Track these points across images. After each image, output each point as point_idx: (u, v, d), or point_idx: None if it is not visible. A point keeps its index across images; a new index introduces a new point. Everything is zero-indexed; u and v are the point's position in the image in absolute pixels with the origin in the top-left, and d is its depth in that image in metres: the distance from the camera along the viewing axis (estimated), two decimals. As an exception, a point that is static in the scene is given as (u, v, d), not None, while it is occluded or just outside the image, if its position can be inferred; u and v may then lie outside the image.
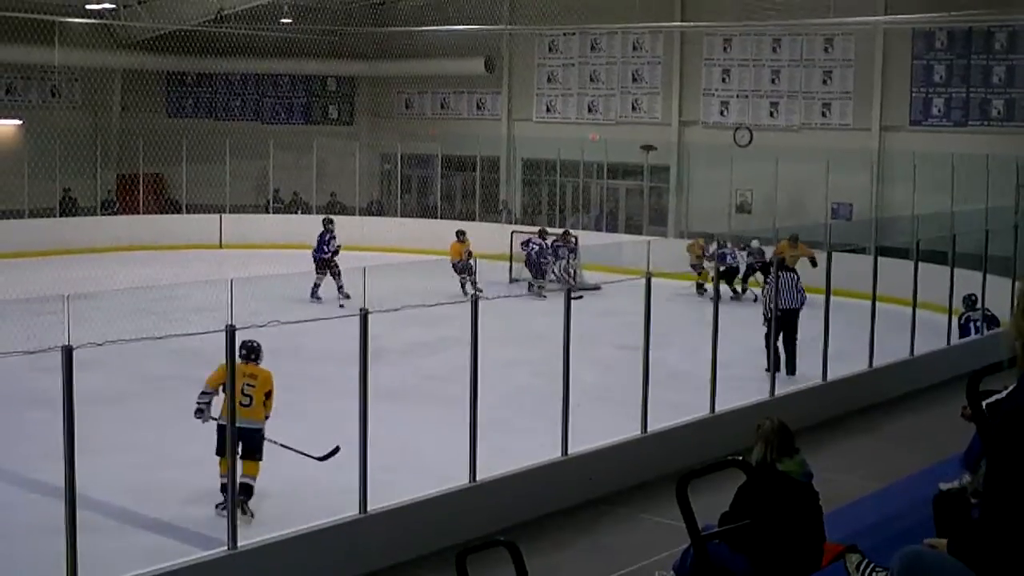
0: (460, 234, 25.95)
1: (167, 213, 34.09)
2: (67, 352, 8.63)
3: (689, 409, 14.31)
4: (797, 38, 30.22)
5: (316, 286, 24.29)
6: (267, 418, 11.83)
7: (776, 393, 15.23)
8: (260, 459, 11.74)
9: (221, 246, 32.30)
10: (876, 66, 29.13)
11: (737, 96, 31.43)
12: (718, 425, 13.97)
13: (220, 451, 11.33)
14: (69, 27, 31.44)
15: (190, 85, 37.87)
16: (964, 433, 9.60)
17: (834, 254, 17.29)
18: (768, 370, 16.33)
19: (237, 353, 10.50)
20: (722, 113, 31.69)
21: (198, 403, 11.79)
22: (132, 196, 33.67)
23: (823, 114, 30.06)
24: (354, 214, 34.67)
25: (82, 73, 34.52)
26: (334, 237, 24.76)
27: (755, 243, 25.59)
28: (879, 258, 18.80)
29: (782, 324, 17.49)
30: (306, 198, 35.45)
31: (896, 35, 28.83)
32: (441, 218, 33.44)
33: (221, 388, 11.29)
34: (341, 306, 22.05)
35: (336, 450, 11.79)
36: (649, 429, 13.30)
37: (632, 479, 12.82)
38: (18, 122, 33.44)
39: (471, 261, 24.54)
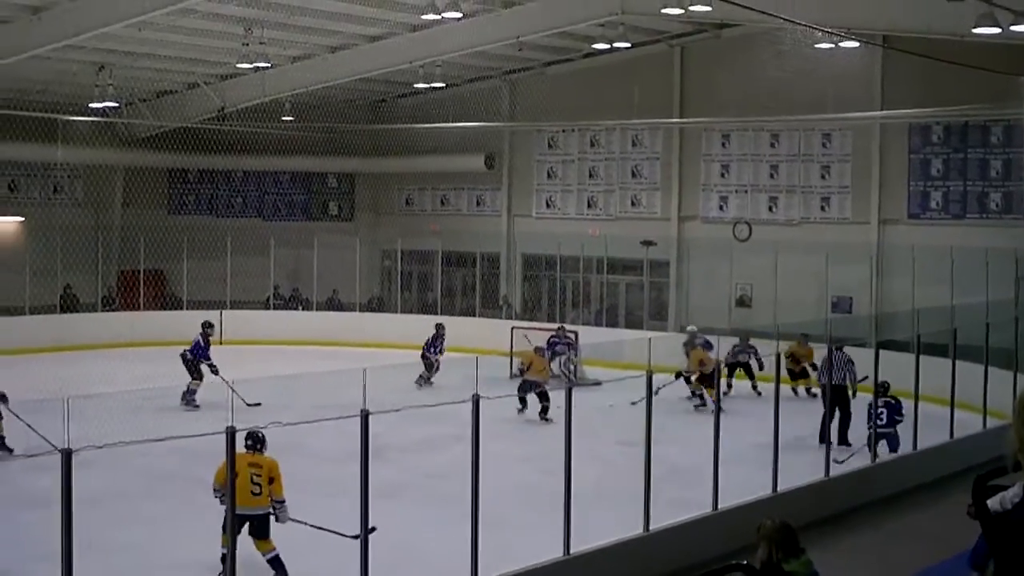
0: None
1: (168, 309, 34.11)
2: (66, 456, 8.60)
3: (692, 505, 14.22)
4: (795, 133, 30.44)
5: (193, 391, 22.58)
6: (282, 502, 12.25)
7: (779, 489, 15.13)
8: (268, 535, 12.23)
9: (221, 342, 32.15)
10: (874, 160, 29.29)
11: (736, 191, 31.58)
12: (721, 522, 13.88)
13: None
14: (71, 125, 31.66)
15: (192, 182, 38.10)
16: (970, 530, 9.51)
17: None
18: (821, 443, 17.85)
19: (243, 444, 11.61)
20: (721, 208, 31.83)
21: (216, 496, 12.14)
22: (133, 292, 33.68)
23: (822, 208, 30.18)
24: (354, 310, 34.74)
25: (84, 170, 34.75)
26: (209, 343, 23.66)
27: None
28: (880, 352, 18.77)
29: (832, 400, 18.70)
30: (306, 294, 35.51)
31: (893, 130, 29.04)
32: (441, 314, 33.46)
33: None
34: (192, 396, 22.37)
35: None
36: (652, 527, 13.19)
37: (635, 578, 12.71)
38: (20, 219, 33.60)
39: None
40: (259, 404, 18.73)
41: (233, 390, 19.64)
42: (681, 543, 13.29)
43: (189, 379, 22.81)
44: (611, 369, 21.01)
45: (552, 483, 12.51)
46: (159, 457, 16.39)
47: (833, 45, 24.95)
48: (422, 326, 31.65)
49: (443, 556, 12.12)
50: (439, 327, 26.98)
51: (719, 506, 14.15)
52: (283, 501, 12.26)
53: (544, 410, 21.72)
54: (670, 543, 13.26)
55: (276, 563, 12.17)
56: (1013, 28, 19.77)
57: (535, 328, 28.27)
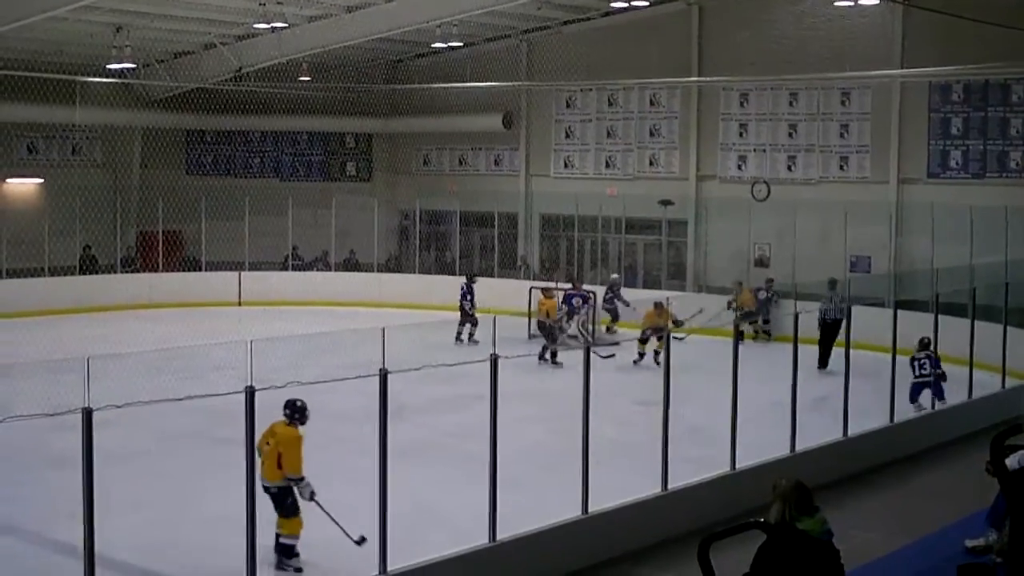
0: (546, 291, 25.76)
1: (186, 270, 34.18)
2: (87, 414, 8.66)
3: (709, 465, 14.25)
4: (814, 92, 30.27)
5: None
6: (290, 480, 11.64)
7: (797, 449, 15.15)
8: (288, 516, 11.65)
9: (240, 303, 32.37)
10: (893, 119, 29.12)
11: (754, 150, 31.46)
12: (739, 482, 13.90)
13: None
14: (90, 86, 31.68)
15: (209, 143, 38.15)
16: (987, 489, 9.51)
17: (853, 308, 17.22)
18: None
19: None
20: (739, 167, 31.72)
21: None
22: (152, 253, 33.76)
23: (841, 167, 30.06)
24: (372, 270, 34.77)
25: (102, 132, 34.82)
26: None
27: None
28: (898, 311, 18.73)
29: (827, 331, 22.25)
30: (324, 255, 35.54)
31: (913, 88, 28.86)
32: (459, 274, 33.47)
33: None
34: None
35: (363, 540, 11.34)
36: (669, 486, 13.24)
37: (652, 537, 12.74)
38: (39, 180, 33.70)
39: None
40: None
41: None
42: (698, 503, 13.32)
43: None
44: (629, 329, 21.04)
45: (569, 443, 12.54)
46: (179, 417, 16.49)
47: (853, 3, 24.78)
48: (440, 286, 31.77)
49: (462, 515, 12.17)
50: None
51: (737, 466, 14.17)
52: (298, 479, 11.64)
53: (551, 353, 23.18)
54: (687, 503, 13.30)
55: (283, 550, 11.64)
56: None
57: (554, 288, 28.26)
